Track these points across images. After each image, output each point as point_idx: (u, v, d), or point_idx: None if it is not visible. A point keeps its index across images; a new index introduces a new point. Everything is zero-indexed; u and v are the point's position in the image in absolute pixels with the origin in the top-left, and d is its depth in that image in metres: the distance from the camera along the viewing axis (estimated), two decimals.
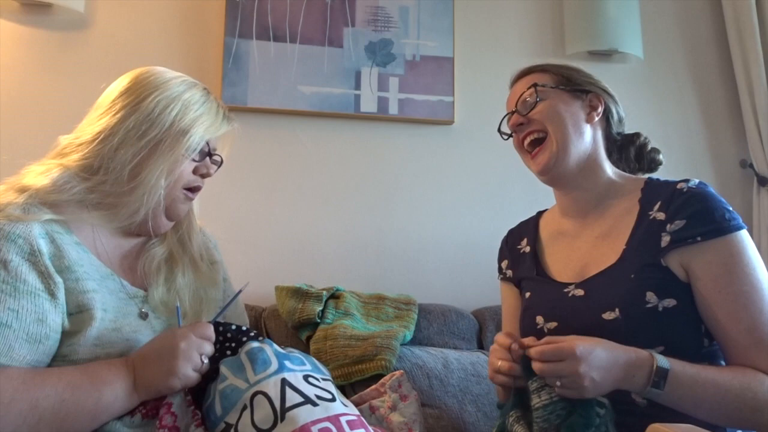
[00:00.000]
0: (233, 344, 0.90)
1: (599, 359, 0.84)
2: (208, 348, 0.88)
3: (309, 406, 0.81)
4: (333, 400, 0.85)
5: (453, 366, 1.44)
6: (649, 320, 0.93)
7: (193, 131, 0.96)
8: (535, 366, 0.87)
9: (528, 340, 0.92)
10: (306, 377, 0.87)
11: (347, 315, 1.51)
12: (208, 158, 1.02)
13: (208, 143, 1.01)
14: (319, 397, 0.83)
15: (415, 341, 1.55)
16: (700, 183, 0.99)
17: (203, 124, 0.98)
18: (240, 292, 1.03)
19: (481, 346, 1.62)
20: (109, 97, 0.97)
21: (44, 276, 0.83)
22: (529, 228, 1.23)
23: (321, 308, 1.51)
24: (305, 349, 1.45)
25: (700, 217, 0.94)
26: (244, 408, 0.81)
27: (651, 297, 0.93)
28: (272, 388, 0.82)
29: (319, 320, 1.49)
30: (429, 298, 1.71)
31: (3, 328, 0.78)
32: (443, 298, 1.74)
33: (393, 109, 1.85)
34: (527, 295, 1.14)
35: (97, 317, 0.86)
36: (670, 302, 0.93)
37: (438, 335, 1.59)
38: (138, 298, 0.96)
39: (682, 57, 2.12)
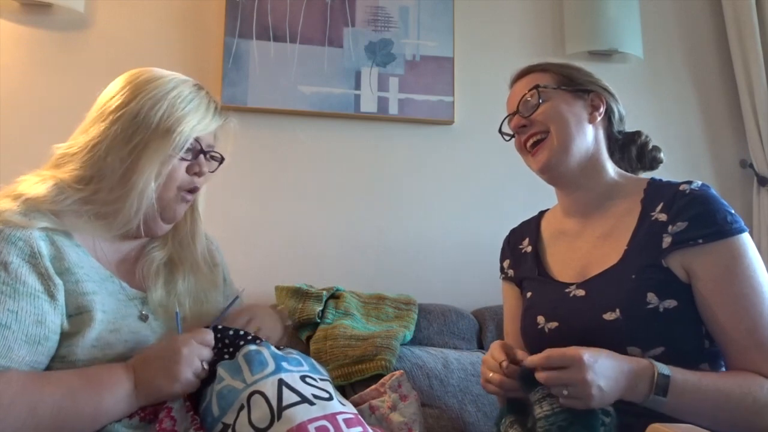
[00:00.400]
0: (231, 348, 0.91)
1: (605, 367, 0.84)
2: (208, 353, 0.89)
3: (306, 405, 0.81)
4: (330, 399, 0.85)
5: (453, 366, 1.44)
6: (650, 321, 0.93)
7: (179, 129, 0.93)
8: (540, 376, 0.86)
9: (522, 354, 0.92)
10: (303, 377, 0.87)
11: (347, 315, 1.51)
12: (202, 156, 1.00)
13: (199, 141, 0.98)
14: (316, 396, 0.84)
15: (415, 341, 1.55)
16: (702, 185, 0.99)
17: (190, 122, 0.95)
18: (236, 298, 1.03)
19: (481, 346, 1.62)
20: (99, 102, 0.96)
21: (44, 278, 0.83)
22: (531, 228, 1.23)
23: (321, 308, 1.51)
24: (305, 348, 1.45)
25: (701, 219, 0.94)
26: (241, 408, 0.81)
27: (652, 298, 0.93)
28: (269, 387, 0.82)
29: (319, 320, 1.49)
30: (429, 298, 1.71)
31: (2, 329, 0.78)
32: (443, 298, 1.74)
33: (393, 109, 1.85)
34: (528, 294, 1.14)
35: (96, 319, 0.86)
36: (670, 303, 0.93)
37: (438, 335, 1.59)
38: (137, 300, 0.95)
39: (682, 57, 2.12)
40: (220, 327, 0.93)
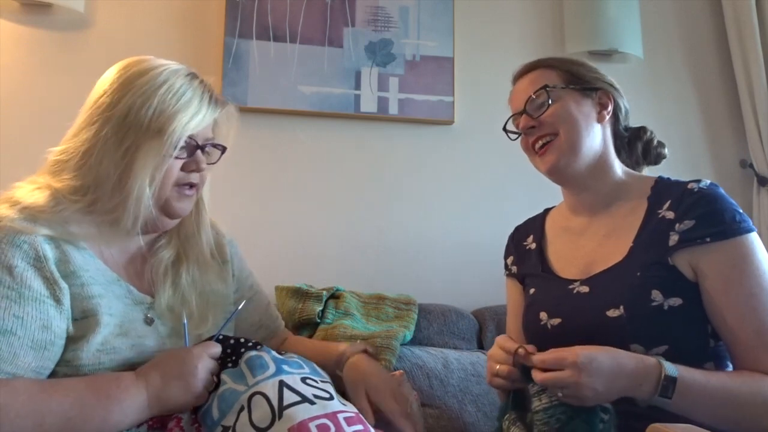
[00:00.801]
0: (234, 357, 0.91)
1: (602, 368, 0.84)
2: (216, 366, 0.89)
3: (306, 404, 0.81)
4: (331, 398, 0.85)
5: (453, 366, 1.44)
6: (654, 319, 0.92)
7: (170, 128, 0.89)
8: (536, 375, 0.87)
9: (531, 348, 0.92)
10: (303, 379, 0.88)
11: (347, 315, 1.51)
12: (199, 152, 0.96)
13: (194, 137, 0.94)
14: (316, 396, 0.84)
15: (415, 341, 1.55)
16: (711, 184, 0.98)
17: (182, 119, 0.90)
18: (237, 310, 1.02)
19: (481, 346, 1.62)
20: (90, 100, 0.93)
21: (49, 282, 0.82)
22: (536, 225, 1.22)
23: (321, 308, 1.51)
24: None
25: (709, 218, 0.93)
26: (242, 409, 0.81)
27: (656, 295, 0.92)
28: (270, 388, 0.83)
29: (319, 320, 1.49)
30: (429, 298, 1.71)
31: (8, 335, 0.77)
32: (443, 298, 1.74)
33: (393, 109, 1.85)
34: (531, 291, 1.13)
35: (102, 323, 0.85)
36: (675, 301, 0.92)
37: (438, 335, 1.59)
38: (144, 304, 0.94)
39: (682, 57, 2.12)
40: (221, 337, 0.93)
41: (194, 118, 0.92)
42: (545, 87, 1.05)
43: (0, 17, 1.65)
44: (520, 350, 0.92)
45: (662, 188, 1.03)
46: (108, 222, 0.90)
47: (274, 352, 0.92)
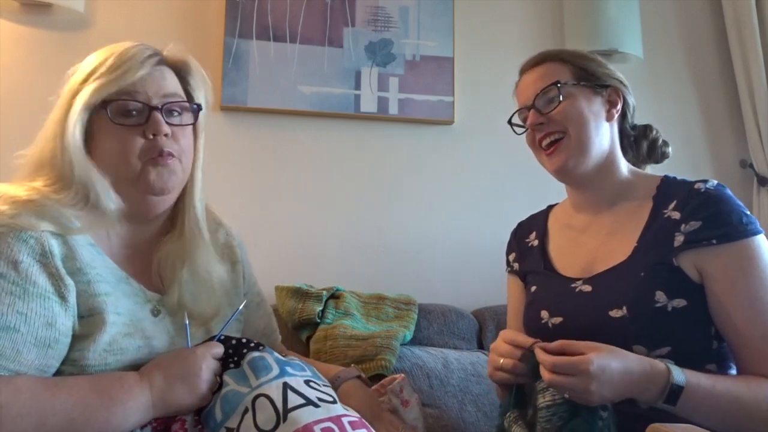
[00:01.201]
0: (236, 357, 0.91)
1: (613, 376, 0.83)
2: (218, 366, 0.89)
3: (311, 407, 0.81)
4: (334, 402, 0.85)
5: (453, 366, 1.44)
6: (657, 320, 0.91)
7: (89, 96, 0.86)
8: (545, 376, 0.86)
9: (543, 345, 0.91)
10: (307, 382, 0.87)
11: (347, 315, 1.51)
12: (156, 113, 0.88)
13: (136, 97, 0.88)
14: (320, 399, 0.83)
15: (415, 341, 1.55)
16: (718, 184, 0.97)
17: (97, 83, 0.87)
18: (238, 310, 1.00)
19: (481, 346, 1.62)
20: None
21: (55, 278, 0.80)
22: (539, 221, 1.21)
23: (321, 308, 1.51)
24: (305, 349, 1.45)
25: (715, 219, 0.92)
26: (246, 411, 0.81)
27: (660, 296, 0.92)
28: (274, 391, 0.82)
29: (319, 320, 1.49)
30: (429, 298, 1.71)
31: (11, 332, 0.75)
32: (443, 298, 1.74)
33: (393, 109, 1.84)
34: (533, 288, 1.12)
35: (108, 321, 0.83)
36: (680, 302, 0.91)
37: (438, 335, 1.59)
38: (153, 301, 0.93)
39: (682, 57, 2.12)
40: (223, 337, 0.93)
41: (110, 79, 0.87)
42: (557, 83, 1.03)
43: (0, 17, 1.65)
44: (537, 347, 0.90)
45: (668, 188, 1.02)
46: (97, 213, 0.87)
47: (276, 354, 0.92)
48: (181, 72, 0.97)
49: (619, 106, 1.07)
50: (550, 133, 1.03)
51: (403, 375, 1.10)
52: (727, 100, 2.12)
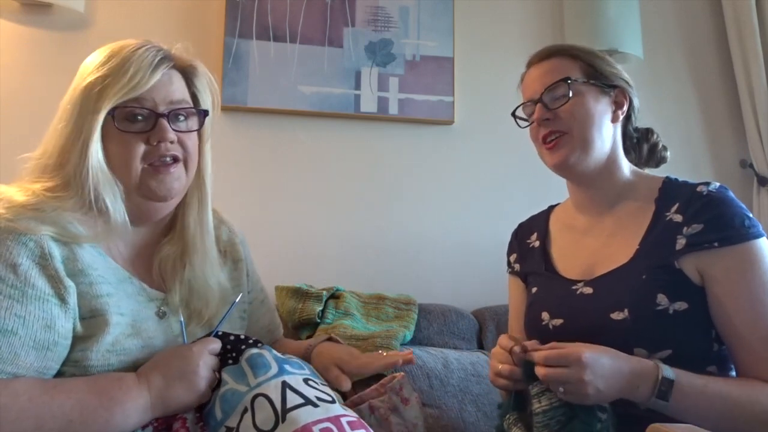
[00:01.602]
0: (234, 353, 0.90)
1: (604, 368, 0.83)
2: (216, 363, 0.88)
3: (310, 407, 0.81)
4: (333, 402, 0.85)
5: (453, 366, 1.44)
6: (658, 322, 0.91)
7: (102, 103, 0.85)
8: (539, 371, 0.86)
9: (531, 344, 0.91)
10: (306, 380, 0.87)
11: (347, 315, 1.51)
12: (162, 120, 0.88)
13: (143, 104, 0.87)
14: (319, 399, 0.83)
15: (415, 341, 1.55)
16: (720, 187, 0.96)
17: (110, 91, 0.85)
18: (234, 304, 0.99)
19: (481, 346, 1.62)
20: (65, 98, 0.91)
21: (54, 280, 0.80)
22: (540, 222, 1.21)
23: (321, 308, 1.51)
24: None
25: (717, 222, 0.92)
26: (245, 411, 0.81)
27: (662, 299, 0.92)
28: (273, 390, 0.82)
29: (319, 320, 1.49)
30: (429, 298, 1.71)
31: (9, 335, 0.75)
32: (443, 298, 1.74)
33: (393, 109, 1.84)
34: (534, 290, 1.12)
35: (111, 322, 0.83)
36: (681, 305, 0.91)
37: (438, 335, 1.59)
38: (157, 300, 0.93)
39: (682, 57, 2.12)
40: (220, 333, 0.92)
41: (124, 87, 0.86)
42: (567, 79, 1.01)
43: (0, 17, 1.65)
44: (515, 348, 0.91)
45: (670, 190, 1.01)
46: (101, 222, 0.87)
47: (274, 351, 0.92)
48: (189, 75, 0.97)
49: (625, 108, 1.06)
50: (555, 130, 1.02)
51: (402, 374, 1.10)
52: (727, 100, 2.12)
